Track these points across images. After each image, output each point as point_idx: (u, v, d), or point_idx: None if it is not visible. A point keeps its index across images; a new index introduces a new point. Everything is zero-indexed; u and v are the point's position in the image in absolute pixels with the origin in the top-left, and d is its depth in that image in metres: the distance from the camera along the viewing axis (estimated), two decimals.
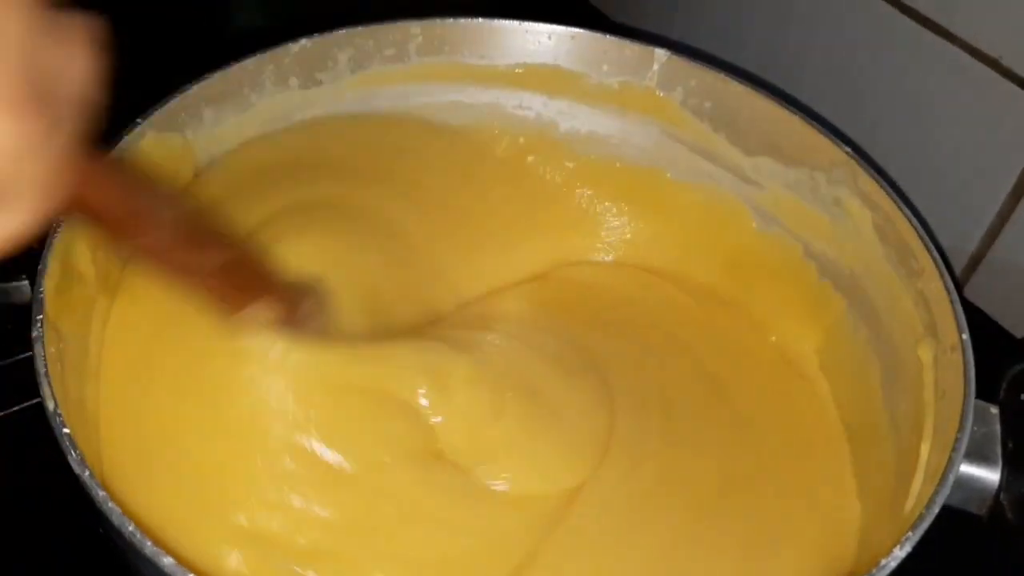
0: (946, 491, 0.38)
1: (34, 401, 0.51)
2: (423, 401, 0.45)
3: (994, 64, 0.57)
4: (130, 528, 0.35)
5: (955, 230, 0.61)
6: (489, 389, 0.46)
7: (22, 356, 0.52)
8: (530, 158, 0.61)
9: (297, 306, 0.42)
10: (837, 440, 0.49)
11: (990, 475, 0.42)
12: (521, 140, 0.61)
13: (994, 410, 0.43)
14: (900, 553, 0.36)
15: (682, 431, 0.49)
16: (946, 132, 0.61)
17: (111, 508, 0.35)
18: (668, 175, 0.60)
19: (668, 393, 0.51)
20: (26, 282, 0.59)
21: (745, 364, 0.53)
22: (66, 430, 0.37)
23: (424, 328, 0.51)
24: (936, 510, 0.37)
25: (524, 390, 0.48)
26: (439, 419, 0.45)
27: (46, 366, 0.39)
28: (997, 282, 0.62)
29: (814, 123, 0.53)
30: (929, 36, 0.59)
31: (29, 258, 0.58)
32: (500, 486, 0.45)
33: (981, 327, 0.56)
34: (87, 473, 0.36)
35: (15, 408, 0.52)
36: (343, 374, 0.44)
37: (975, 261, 0.62)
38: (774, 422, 0.50)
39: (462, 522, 0.44)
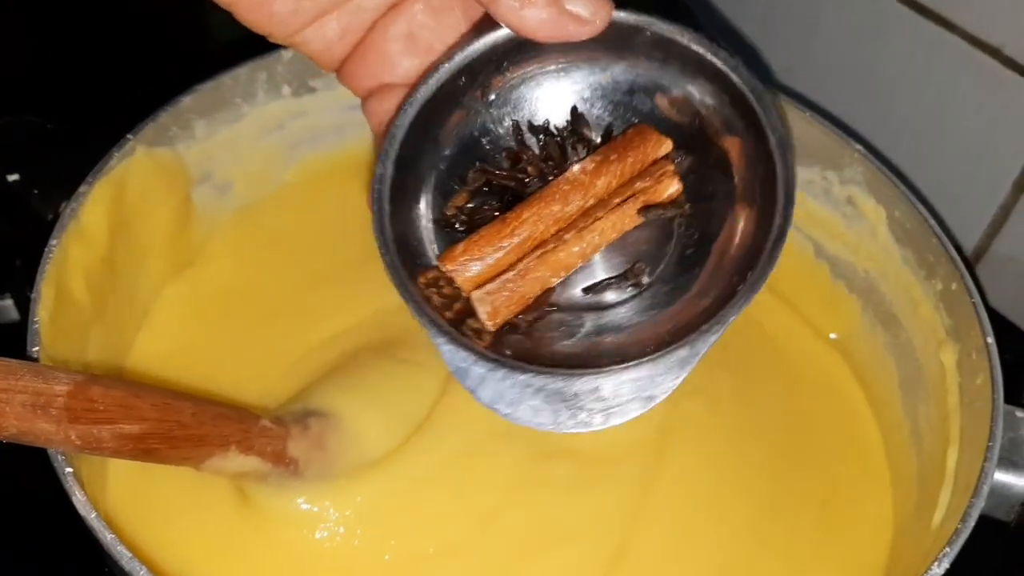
0: (980, 503, 0.37)
1: None
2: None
3: (996, 53, 0.56)
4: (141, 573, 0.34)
5: (956, 223, 0.60)
6: None
7: None
8: None
9: (284, 444, 0.40)
10: (875, 450, 0.48)
11: (1018, 481, 0.41)
12: None
13: (1020, 414, 0.43)
14: (938, 570, 0.36)
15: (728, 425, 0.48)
16: (948, 123, 0.60)
17: (120, 552, 0.34)
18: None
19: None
20: (10, 301, 0.57)
21: (770, 363, 0.52)
22: (69, 470, 0.36)
23: None
24: (972, 523, 0.37)
25: None
26: None
27: None
28: (1000, 276, 0.61)
29: (825, 121, 0.52)
30: (929, 26, 0.58)
31: (12, 275, 0.56)
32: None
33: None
34: (93, 515, 0.35)
35: None
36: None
37: (977, 255, 0.62)
38: (808, 430, 0.49)
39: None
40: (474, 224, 0.38)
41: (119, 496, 0.43)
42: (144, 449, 0.34)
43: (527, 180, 0.38)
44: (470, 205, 0.38)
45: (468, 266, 0.36)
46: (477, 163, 0.38)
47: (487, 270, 0.36)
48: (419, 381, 0.46)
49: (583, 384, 0.35)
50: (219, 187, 0.54)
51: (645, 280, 0.38)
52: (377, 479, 0.43)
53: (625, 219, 0.37)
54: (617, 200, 0.37)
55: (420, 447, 0.44)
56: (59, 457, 0.36)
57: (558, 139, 0.38)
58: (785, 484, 0.46)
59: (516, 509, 0.44)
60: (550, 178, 0.37)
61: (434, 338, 0.36)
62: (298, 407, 0.43)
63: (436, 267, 0.37)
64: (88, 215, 0.44)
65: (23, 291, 0.56)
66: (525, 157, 0.38)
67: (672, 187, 0.37)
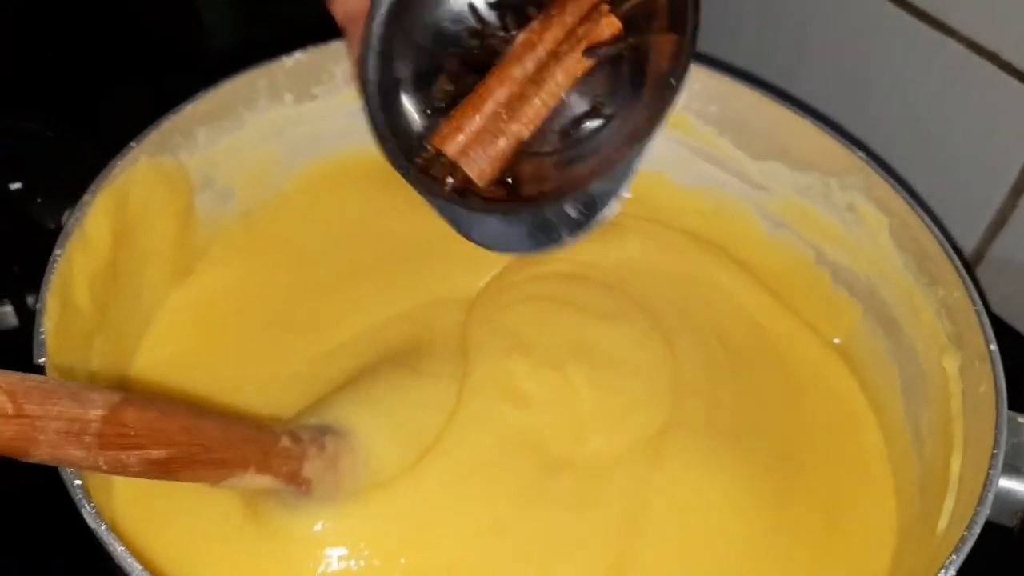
0: (986, 511, 0.38)
1: None
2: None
3: (993, 58, 0.56)
4: None
5: (954, 228, 0.61)
6: (551, 369, 0.48)
7: None
8: None
9: (301, 465, 0.40)
10: (878, 457, 0.48)
11: (1021, 487, 0.41)
12: None
13: (1022, 419, 0.43)
14: None
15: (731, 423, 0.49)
16: (945, 128, 0.60)
17: (131, 564, 0.34)
18: (672, 179, 0.59)
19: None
20: (10, 308, 0.57)
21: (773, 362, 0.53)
22: (78, 482, 0.36)
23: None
24: (977, 531, 0.37)
25: (579, 355, 0.49)
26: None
27: None
28: (998, 280, 0.61)
29: (825, 127, 0.52)
30: (927, 30, 0.58)
31: (11, 282, 0.56)
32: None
33: None
34: (103, 528, 0.35)
35: None
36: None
37: (975, 259, 0.62)
38: (813, 436, 0.50)
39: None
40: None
41: (125, 506, 0.43)
42: (166, 471, 0.34)
43: (496, 50, 0.44)
44: (451, 88, 0.45)
45: (455, 139, 0.43)
46: (449, 48, 0.44)
47: (470, 139, 0.43)
48: (432, 396, 0.46)
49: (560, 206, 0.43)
50: (221, 194, 0.54)
51: (607, 111, 0.44)
52: (385, 497, 0.43)
53: (576, 64, 0.43)
54: (565, 49, 0.43)
55: (426, 464, 0.44)
56: (68, 469, 0.36)
57: (511, 7, 0.44)
58: (787, 490, 0.46)
59: (522, 523, 0.44)
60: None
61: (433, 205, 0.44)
62: (314, 423, 0.43)
63: (427, 148, 0.44)
64: (92, 224, 0.44)
65: (22, 298, 0.56)
66: (488, 31, 0.44)
67: (611, 26, 0.42)
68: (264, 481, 0.39)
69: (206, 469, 0.36)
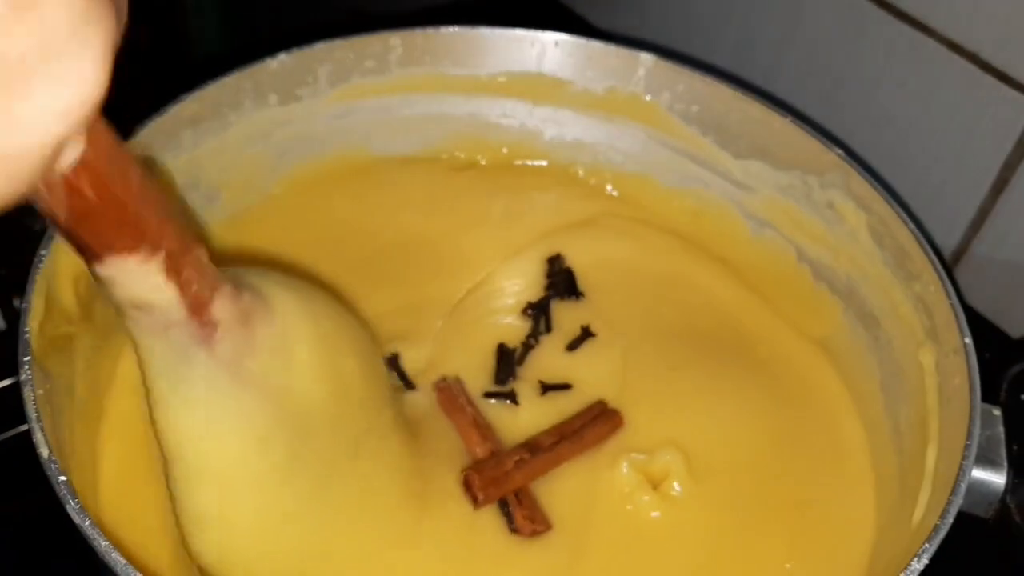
0: (959, 500, 0.38)
1: (15, 431, 0.50)
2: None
3: (973, 58, 0.57)
4: None
5: (936, 225, 0.61)
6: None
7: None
8: (515, 167, 0.60)
9: (212, 295, 0.32)
10: (859, 451, 0.49)
11: (996, 479, 0.42)
12: (505, 150, 0.60)
13: (996, 412, 0.43)
14: (918, 566, 0.36)
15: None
16: (927, 127, 0.61)
17: (115, 559, 0.34)
18: (656, 180, 0.59)
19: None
20: None
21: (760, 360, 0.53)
22: (63, 478, 0.36)
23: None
24: (950, 520, 0.37)
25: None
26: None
27: (37, 411, 0.38)
28: (979, 276, 0.62)
29: (805, 126, 0.53)
30: (907, 30, 0.59)
31: None
32: None
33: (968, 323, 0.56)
34: (88, 523, 0.35)
35: None
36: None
37: (957, 256, 0.63)
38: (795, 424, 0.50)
39: None
40: None
41: (109, 502, 0.43)
42: (77, 215, 0.27)
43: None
44: None
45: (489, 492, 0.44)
46: None
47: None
48: (369, 343, 0.41)
49: None
50: (207, 196, 0.54)
51: None
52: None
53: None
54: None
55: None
56: (53, 465, 0.36)
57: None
58: (768, 484, 0.47)
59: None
60: None
61: None
62: (236, 270, 0.35)
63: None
64: None
65: (8, 300, 0.57)
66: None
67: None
68: (165, 294, 0.31)
69: (113, 228, 0.28)
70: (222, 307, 0.33)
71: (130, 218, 0.29)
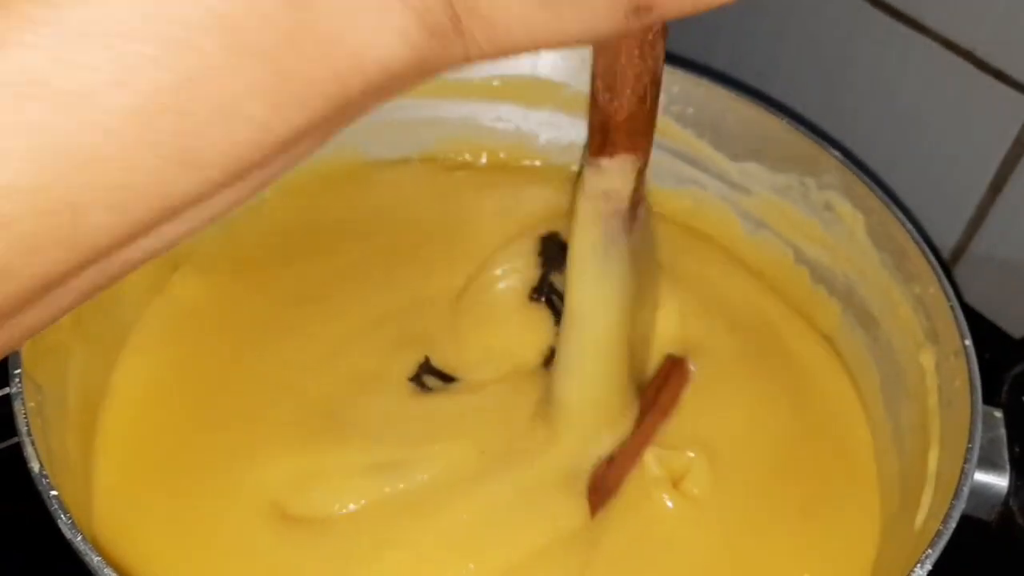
0: (962, 504, 0.38)
1: (7, 444, 0.49)
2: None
3: (968, 56, 0.57)
4: None
5: (934, 224, 0.61)
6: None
7: None
8: (511, 170, 0.60)
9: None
10: (864, 454, 0.48)
11: (998, 481, 0.42)
12: (502, 155, 0.60)
13: (998, 414, 0.43)
14: (922, 571, 0.36)
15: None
16: (922, 126, 0.60)
17: (108, 574, 0.34)
18: (653, 182, 0.59)
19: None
20: None
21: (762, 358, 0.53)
22: (54, 492, 0.36)
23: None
24: (953, 524, 0.37)
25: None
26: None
27: (28, 424, 0.37)
28: (978, 275, 0.62)
29: (801, 127, 0.52)
30: (902, 29, 0.59)
31: None
32: None
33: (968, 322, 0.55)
34: (79, 538, 0.35)
35: None
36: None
37: (955, 255, 0.63)
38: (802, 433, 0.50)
39: None
40: None
41: (104, 518, 0.43)
42: None
43: None
44: None
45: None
46: None
47: None
48: None
49: None
50: None
51: None
52: None
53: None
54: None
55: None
56: (44, 480, 0.36)
57: None
58: (779, 485, 0.46)
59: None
60: None
61: None
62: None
63: None
64: None
65: None
66: None
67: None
68: (629, 185, 0.38)
69: (640, 135, 0.36)
70: (643, 208, 0.40)
71: (651, 128, 0.36)
